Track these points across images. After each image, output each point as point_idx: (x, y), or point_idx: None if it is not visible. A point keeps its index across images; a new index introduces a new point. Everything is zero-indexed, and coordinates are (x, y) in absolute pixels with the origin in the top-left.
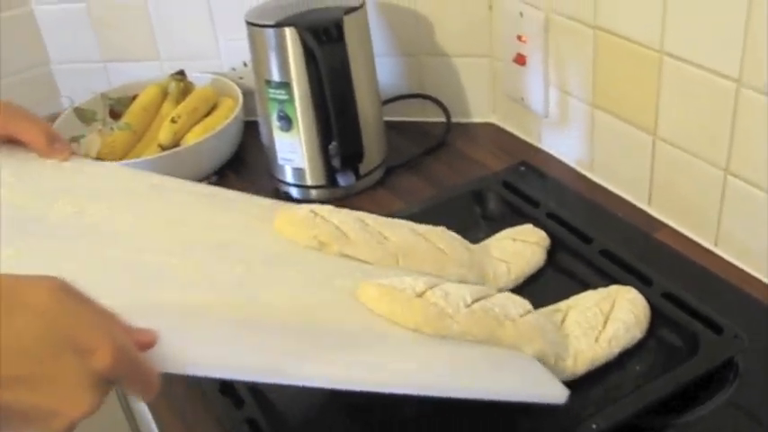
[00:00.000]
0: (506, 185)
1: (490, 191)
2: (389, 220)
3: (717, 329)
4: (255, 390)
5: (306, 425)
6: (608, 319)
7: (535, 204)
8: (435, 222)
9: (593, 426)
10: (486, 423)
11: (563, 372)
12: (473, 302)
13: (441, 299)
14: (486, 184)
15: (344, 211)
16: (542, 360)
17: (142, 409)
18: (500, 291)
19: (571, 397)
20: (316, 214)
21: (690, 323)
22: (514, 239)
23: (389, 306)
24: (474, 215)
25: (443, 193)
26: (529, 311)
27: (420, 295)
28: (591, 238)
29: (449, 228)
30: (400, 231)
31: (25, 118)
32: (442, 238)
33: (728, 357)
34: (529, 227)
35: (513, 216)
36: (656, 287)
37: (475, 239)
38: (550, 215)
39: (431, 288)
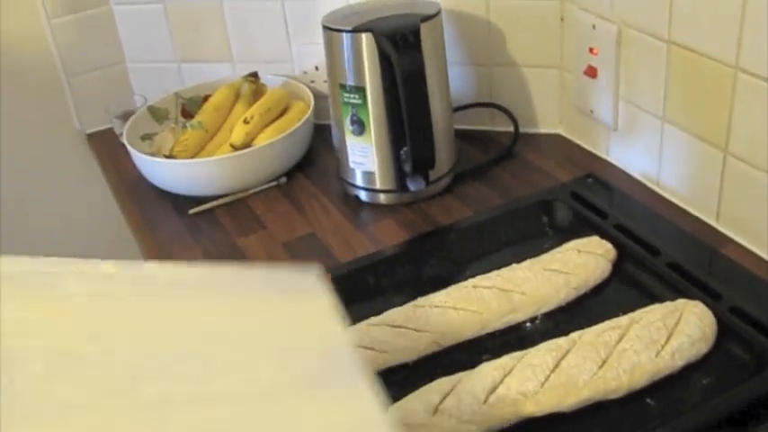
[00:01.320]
0: (574, 196)
1: (558, 201)
2: (417, 304)
3: None
4: None
5: None
6: (673, 333)
7: (603, 215)
8: (502, 230)
9: None
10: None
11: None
12: (488, 396)
13: (454, 409)
14: (553, 194)
15: (374, 324)
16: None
17: None
18: (561, 304)
19: (636, 408)
20: None
21: (758, 339)
22: (580, 251)
23: None
24: (541, 224)
25: (511, 201)
26: (551, 372)
27: (434, 412)
28: (658, 251)
29: (514, 236)
30: (431, 315)
31: None
32: (475, 298)
33: None
34: (595, 239)
35: (580, 227)
36: (725, 302)
37: (540, 249)
38: (618, 227)
39: (443, 401)
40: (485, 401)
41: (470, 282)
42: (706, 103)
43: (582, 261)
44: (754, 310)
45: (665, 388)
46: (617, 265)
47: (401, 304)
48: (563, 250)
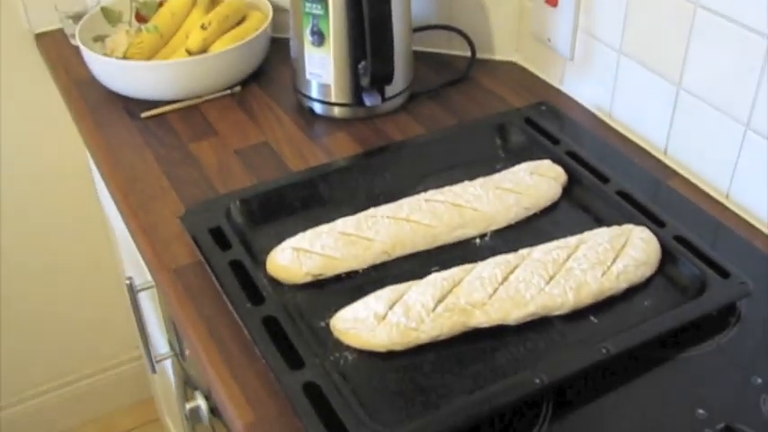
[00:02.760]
0: (527, 121)
1: (512, 125)
2: (369, 214)
3: (724, 274)
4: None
5: None
6: (618, 256)
7: (555, 141)
8: (456, 150)
9: (603, 350)
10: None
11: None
12: (437, 305)
13: (402, 316)
14: (507, 119)
15: (324, 231)
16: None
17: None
18: (511, 222)
19: (580, 325)
20: (298, 251)
21: (699, 266)
22: (532, 173)
23: (357, 338)
24: (494, 146)
25: (465, 122)
26: (499, 285)
27: (383, 317)
28: (608, 178)
29: (468, 156)
30: (382, 225)
31: None
32: (427, 211)
33: (733, 300)
34: (547, 162)
35: (533, 151)
36: (669, 229)
37: (493, 170)
38: (569, 153)
39: (391, 307)
40: (433, 309)
41: (423, 195)
42: (663, 37)
43: (533, 182)
44: (696, 239)
45: (609, 307)
46: (567, 190)
47: (353, 214)
48: (515, 171)
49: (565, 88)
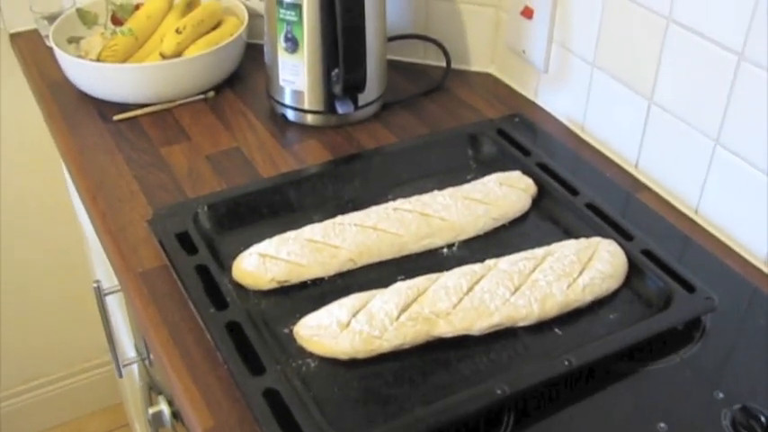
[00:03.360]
0: (500, 132)
1: (484, 135)
2: (337, 221)
3: (690, 289)
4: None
5: None
6: (585, 268)
7: (526, 153)
8: (427, 159)
9: (566, 362)
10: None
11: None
12: (401, 313)
13: (365, 324)
14: (480, 129)
15: (291, 238)
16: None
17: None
18: (479, 233)
19: (544, 337)
20: (264, 257)
21: (665, 280)
22: (501, 183)
23: (320, 345)
24: (465, 157)
25: (438, 132)
26: (464, 295)
27: (346, 325)
28: (577, 191)
29: (439, 166)
30: (350, 233)
31: None
32: (394, 220)
33: (698, 315)
34: (517, 173)
35: (504, 162)
36: (637, 243)
37: (463, 181)
38: (540, 165)
39: (355, 315)
40: (397, 318)
41: (391, 204)
42: (636, 51)
43: (503, 193)
44: (664, 254)
45: (574, 320)
46: (537, 202)
47: (321, 221)
48: (485, 182)
49: (539, 100)
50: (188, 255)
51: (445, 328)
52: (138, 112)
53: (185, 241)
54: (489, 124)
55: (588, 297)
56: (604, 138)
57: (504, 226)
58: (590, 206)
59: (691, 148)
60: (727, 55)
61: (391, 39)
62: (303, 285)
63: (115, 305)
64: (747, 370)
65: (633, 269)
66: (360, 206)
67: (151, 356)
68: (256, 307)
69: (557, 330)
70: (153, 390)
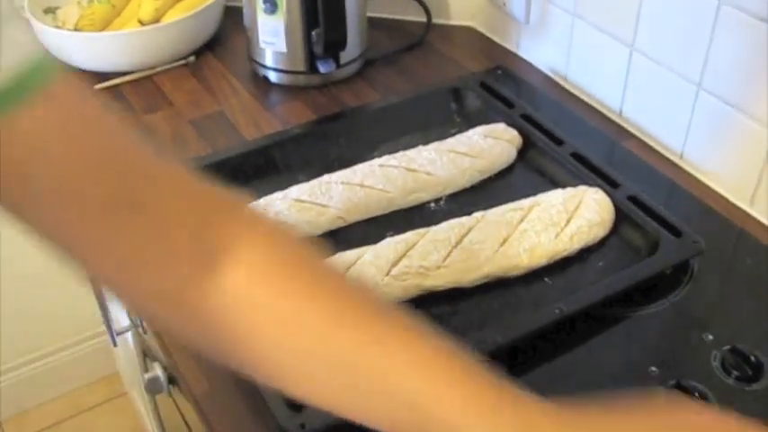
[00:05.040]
0: (483, 86)
1: (467, 89)
2: (323, 180)
3: (677, 233)
4: None
5: None
6: (572, 217)
7: (510, 105)
8: (411, 115)
9: (557, 310)
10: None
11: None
12: (390, 269)
13: (357, 279)
14: (462, 83)
15: (278, 198)
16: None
17: None
18: (466, 186)
19: (534, 286)
20: None
21: (652, 226)
22: (486, 136)
23: None
24: (449, 111)
25: (420, 87)
26: (453, 248)
27: None
28: (562, 141)
29: (423, 121)
30: (336, 191)
31: None
32: (381, 176)
33: (686, 258)
34: (501, 125)
35: (488, 115)
36: (622, 190)
37: (447, 135)
38: (524, 116)
39: (346, 272)
40: (387, 273)
41: (377, 161)
42: None
43: (488, 146)
44: (650, 200)
45: (563, 268)
46: (522, 153)
47: (307, 181)
48: (470, 135)
49: (521, 52)
50: None
51: (436, 282)
52: (119, 80)
53: None
54: (472, 78)
55: (576, 245)
56: (588, 87)
57: (490, 178)
58: (575, 155)
59: (674, 94)
60: None
61: None
62: None
63: None
64: (735, 312)
65: (620, 216)
66: (345, 165)
67: (144, 324)
68: None
69: (546, 280)
70: (148, 357)
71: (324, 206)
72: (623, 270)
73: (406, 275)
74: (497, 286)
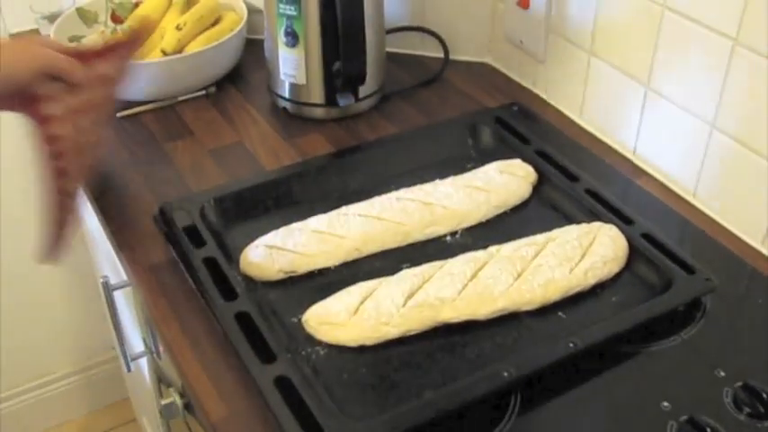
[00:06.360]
0: (499, 121)
1: (483, 124)
2: (341, 212)
3: (690, 270)
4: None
5: None
6: (587, 253)
7: (525, 141)
8: (427, 149)
9: (571, 344)
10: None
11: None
12: (407, 300)
13: (373, 310)
14: (479, 118)
15: (297, 229)
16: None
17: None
18: (481, 220)
19: (548, 320)
20: (271, 248)
21: (665, 263)
22: (502, 171)
23: (329, 333)
24: (465, 146)
25: (437, 122)
26: (469, 281)
27: (354, 313)
28: (577, 177)
29: (439, 155)
30: (354, 223)
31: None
32: (398, 209)
33: (699, 296)
34: (517, 161)
35: (503, 151)
36: (637, 227)
37: (464, 170)
38: (539, 152)
39: (362, 303)
40: (403, 305)
41: (394, 194)
42: (632, 38)
43: (503, 181)
44: (663, 237)
45: (577, 303)
46: (537, 189)
47: (325, 212)
48: (486, 170)
49: (537, 89)
50: (196, 248)
51: (450, 314)
52: (141, 108)
53: (193, 235)
54: (488, 113)
55: (590, 281)
56: (603, 125)
57: (505, 213)
58: (590, 192)
59: (688, 133)
60: (721, 40)
61: (389, 31)
62: (310, 275)
63: (122, 300)
64: (747, 348)
65: (634, 253)
66: (362, 197)
67: (160, 349)
68: (265, 297)
69: (560, 314)
70: (162, 382)
71: (341, 237)
72: (637, 306)
73: (422, 307)
74: (511, 319)
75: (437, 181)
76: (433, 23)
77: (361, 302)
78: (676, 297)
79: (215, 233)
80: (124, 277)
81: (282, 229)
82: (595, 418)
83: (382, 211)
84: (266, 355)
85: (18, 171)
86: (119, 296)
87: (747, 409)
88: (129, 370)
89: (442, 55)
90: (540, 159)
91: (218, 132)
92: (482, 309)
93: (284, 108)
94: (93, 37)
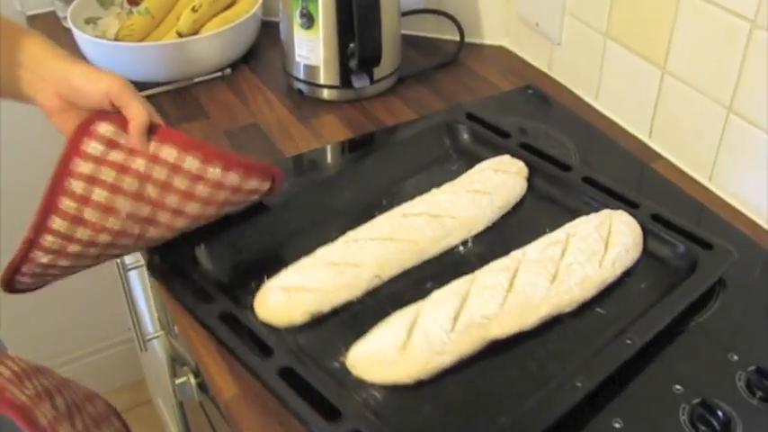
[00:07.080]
0: (470, 117)
1: (456, 123)
2: (350, 238)
3: (707, 246)
4: None
5: None
6: (608, 243)
7: (505, 135)
8: (410, 157)
9: (628, 341)
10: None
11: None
12: (454, 323)
13: (423, 342)
14: (451, 117)
15: (308, 263)
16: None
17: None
18: (488, 225)
19: (588, 317)
20: (288, 289)
21: (681, 242)
22: (496, 170)
23: (382, 374)
24: (444, 147)
25: (411, 128)
26: (507, 292)
27: (403, 347)
28: (569, 166)
29: (424, 161)
30: (367, 248)
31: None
32: (408, 227)
33: (727, 267)
34: (506, 157)
35: (484, 149)
36: (644, 209)
37: (449, 170)
38: (522, 145)
39: (409, 334)
40: (452, 329)
41: (398, 210)
42: (649, 21)
43: (501, 180)
44: (672, 216)
45: (609, 296)
46: (529, 183)
47: (324, 241)
48: (480, 171)
49: (552, 72)
50: (205, 303)
51: (499, 331)
52: (157, 90)
53: (195, 288)
54: (460, 110)
55: (618, 271)
56: (618, 108)
57: (507, 213)
58: (587, 179)
59: (704, 116)
60: (739, 23)
61: (405, 13)
62: (334, 312)
63: (136, 280)
64: (760, 333)
65: (647, 235)
66: (357, 217)
67: (174, 329)
68: (295, 344)
69: (598, 310)
70: (177, 362)
71: (357, 265)
72: (666, 291)
73: (470, 328)
74: (554, 323)
75: (434, 190)
76: (449, 6)
77: (408, 335)
78: (707, 274)
79: (216, 281)
80: (139, 258)
81: (292, 266)
82: (608, 401)
83: (393, 231)
84: (328, 411)
85: (37, 151)
86: (133, 276)
87: (760, 393)
88: (143, 350)
89: (457, 38)
90: (525, 152)
91: (234, 114)
92: (528, 319)
93: (299, 90)
94: (110, 19)
